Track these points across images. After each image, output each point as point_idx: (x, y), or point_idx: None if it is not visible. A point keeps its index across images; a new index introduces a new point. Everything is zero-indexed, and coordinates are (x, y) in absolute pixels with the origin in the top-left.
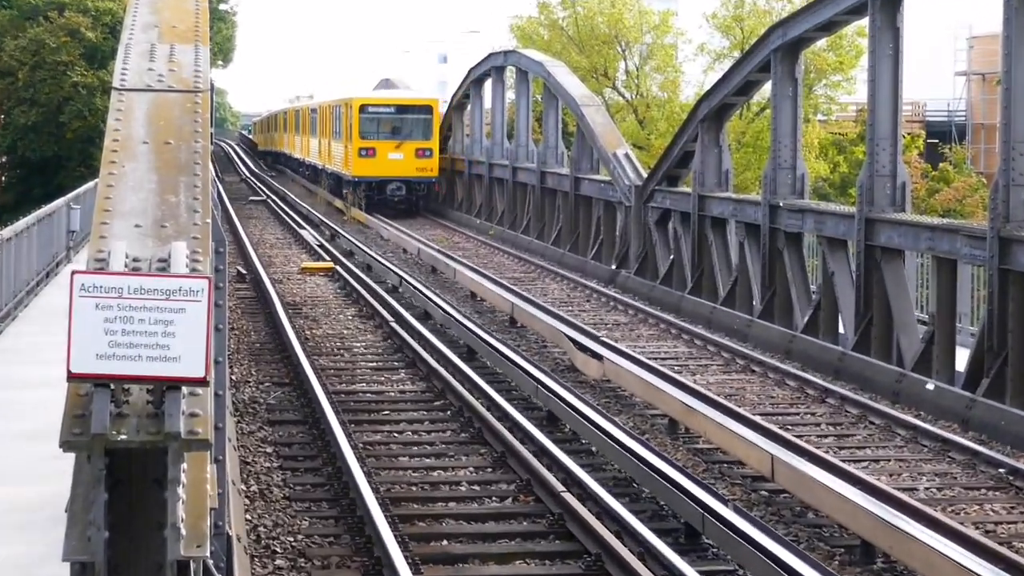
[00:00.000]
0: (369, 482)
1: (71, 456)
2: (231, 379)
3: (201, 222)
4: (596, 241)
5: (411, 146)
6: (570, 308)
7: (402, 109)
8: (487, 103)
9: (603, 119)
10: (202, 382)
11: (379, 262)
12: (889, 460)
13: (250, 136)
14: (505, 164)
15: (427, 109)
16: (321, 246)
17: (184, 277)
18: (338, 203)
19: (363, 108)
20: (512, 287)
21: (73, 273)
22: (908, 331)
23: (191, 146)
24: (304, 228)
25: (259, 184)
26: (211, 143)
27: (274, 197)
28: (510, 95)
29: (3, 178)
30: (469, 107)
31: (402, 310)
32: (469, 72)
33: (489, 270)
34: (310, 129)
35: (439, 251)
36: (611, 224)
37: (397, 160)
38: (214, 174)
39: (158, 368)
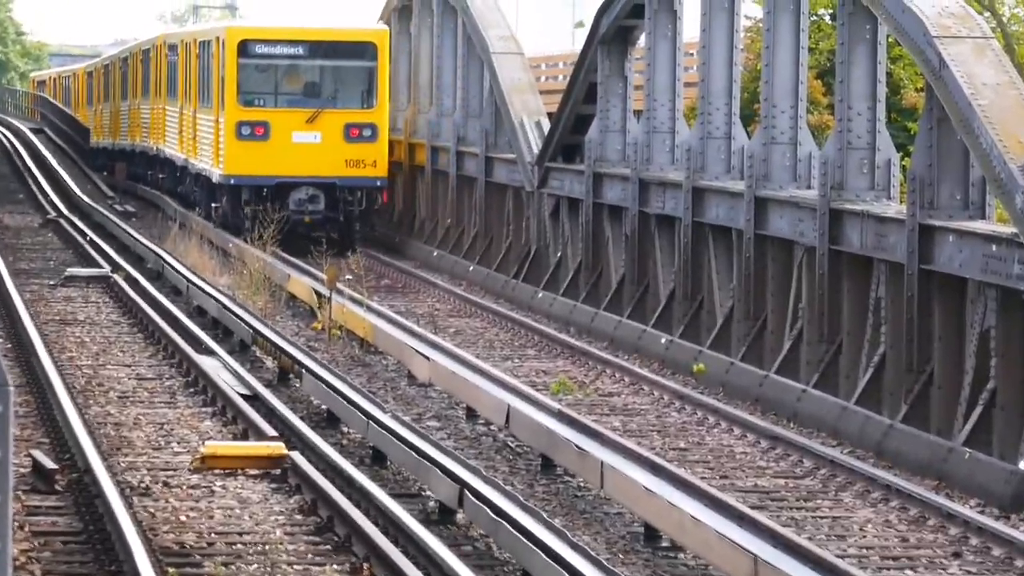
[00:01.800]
0: None
1: None
2: None
3: None
4: None
5: (336, 120)
6: None
7: (318, 49)
8: (689, 31)
9: (998, 75)
10: None
11: (402, 441)
12: None
13: (67, 111)
14: (736, 191)
15: (365, 50)
16: (254, 398)
17: None
18: (296, 284)
19: (245, 47)
20: (764, 521)
21: None
22: None
23: None
24: (207, 353)
25: (92, 233)
26: None
27: (129, 269)
28: (751, 8)
29: None
30: (643, 39)
31: None
32: None
33: (702, 472)
34: (167, 88)
35: (564, 414)
36: None
37: (309, 145)
38: None
39: None
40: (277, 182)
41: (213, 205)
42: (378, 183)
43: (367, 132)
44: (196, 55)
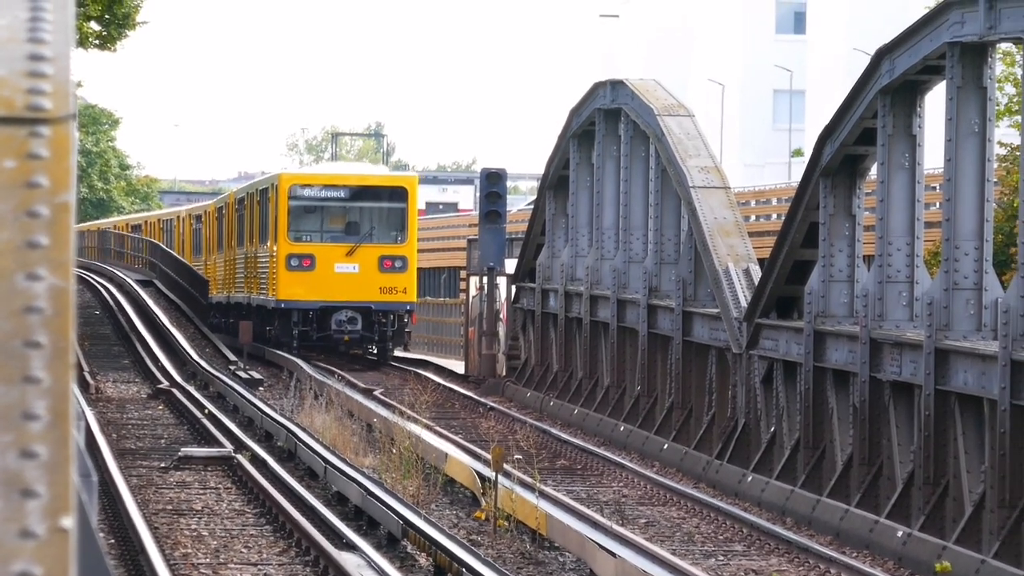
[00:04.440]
0: None
1: None
2: None
3: (46, 532)
4: None
5: (372, 253)
6: None
7: (359, 193)
8: (931, 159)
9: None
10: None
11: None
12: None
13: (181, 259)
14: (988, 353)
15: (398, 193)
16: None
17: None
18: (456, 465)
19: (294, 191)
20: None
21: None
22: None
23: (16, 289)
24: (349, 549)
25: (211, 405)
26: (73, 278)
27: (255, 448)
28: (1007, 133)
29: None
30: (875, 170)
31: None
32: None
33: None
34: (238, 232)
35: None
36: None
37: (348, 274)
38: (76, 383)
39: None
40: (321, 306)
41: (267, 328)
42: (407, 307)
43: (398, 264)
44: (257, 202)
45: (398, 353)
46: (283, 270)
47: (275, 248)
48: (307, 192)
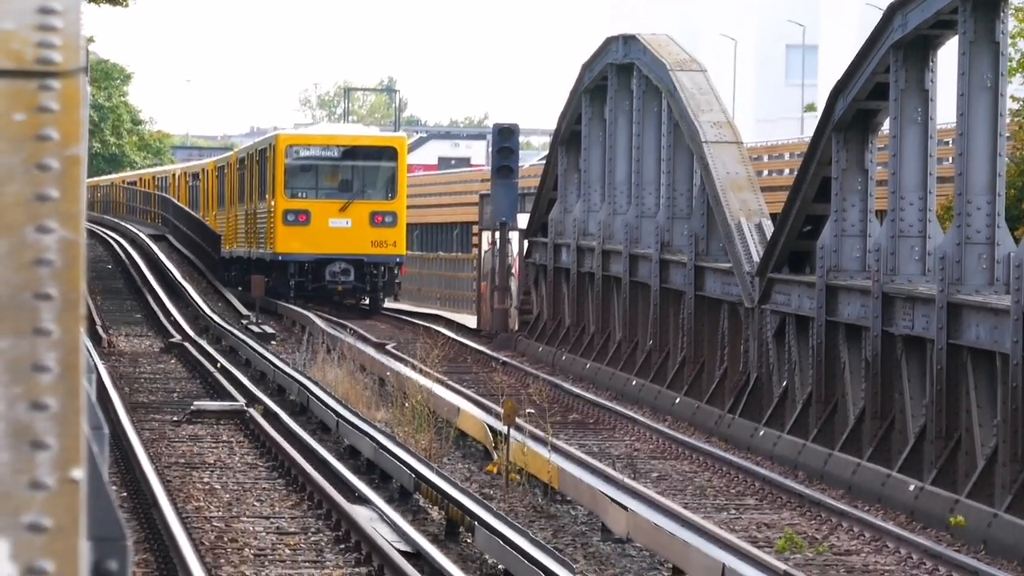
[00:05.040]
0: None
1: None
2: None
3: (56, 484)
4: None
5: (364, 208)
6: None
7: (351, 153)
8: (943, 114)
9: None
10: None
11: None
12: None
13: (193, 214)
14: (1001, 307)
15: (388, 153)
16: (417, 557)
17: None
18: (467, 419)
19: (290, 150)
20: None
21: None
22: None
23: (26, 241)
24: (361, 503)
25: (223, 359)
26: (84, 230)
27: (268, 402)
28: (1020, 88)
29: None
30: (888, 125)
31: None
32: None
33: None
34: (240, 189)
35: None
36: None
37: (342, 229)
38: (86, 335)
39: None
40: (316, 259)
41: (265, 280)
42: (397, 260)
43: (388, 219)
44: (257, 161)
45: (404, 307)
46: (280, 225)
47: (273, 204)
48: (303, 152)
